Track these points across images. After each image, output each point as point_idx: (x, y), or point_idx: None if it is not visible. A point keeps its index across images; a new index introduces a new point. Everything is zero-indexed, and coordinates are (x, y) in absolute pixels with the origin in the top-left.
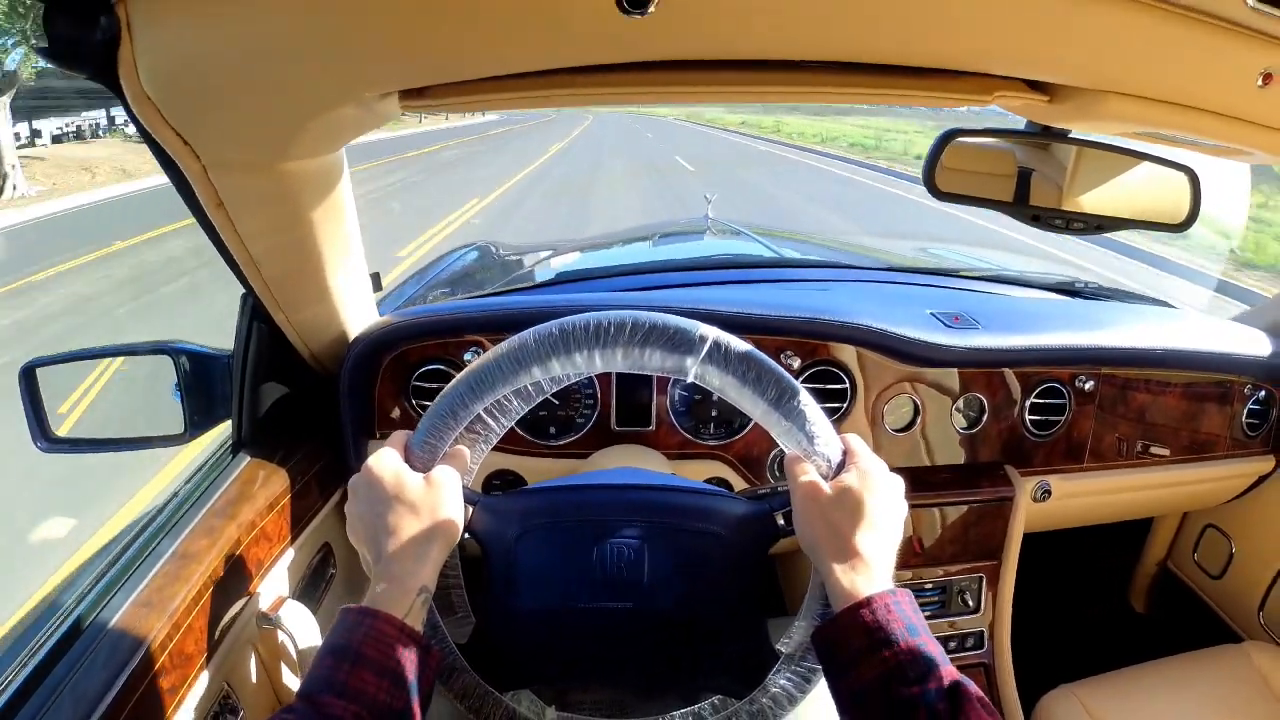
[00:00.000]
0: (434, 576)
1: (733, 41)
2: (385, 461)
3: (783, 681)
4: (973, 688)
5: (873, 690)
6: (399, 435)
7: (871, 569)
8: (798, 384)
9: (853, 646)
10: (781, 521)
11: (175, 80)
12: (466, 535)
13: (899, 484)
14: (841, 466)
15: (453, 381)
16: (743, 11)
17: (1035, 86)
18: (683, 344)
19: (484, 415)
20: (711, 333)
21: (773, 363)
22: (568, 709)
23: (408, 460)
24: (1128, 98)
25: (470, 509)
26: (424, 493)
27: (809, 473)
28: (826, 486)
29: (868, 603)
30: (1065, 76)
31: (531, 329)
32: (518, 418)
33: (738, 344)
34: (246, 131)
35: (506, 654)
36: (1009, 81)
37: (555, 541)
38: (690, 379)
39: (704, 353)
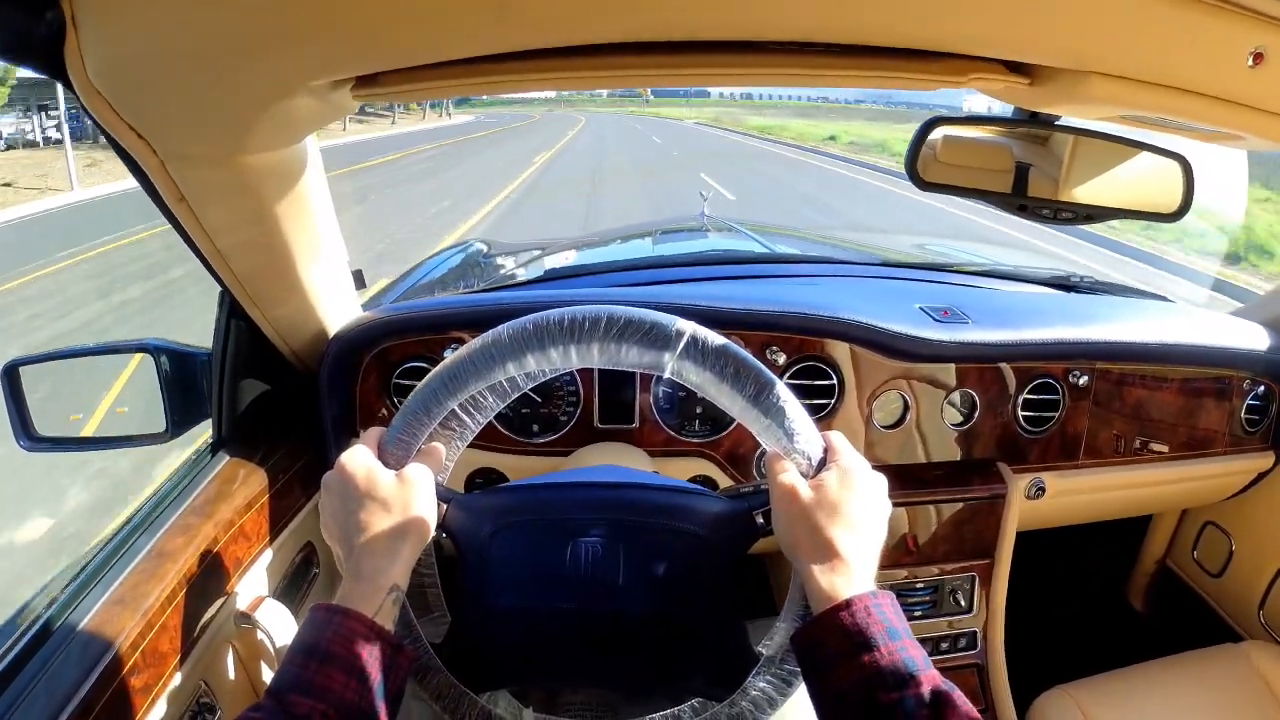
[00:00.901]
0: (406, 575)
1: (692, 22)
2: (358, 458)
3: (762, 684)
4: (956, 694)
5: (852, 695)
6: (373, 432)
7: (852, 570)
8: (777, 379)
9: (831, 650)
10: (761, 521)
11: (123, 72)
12: (442, 534)
13: (882, 483)
14: (823, 464)
15: (426, 377)
16: None
17: (1015, 68)
18: (659, 339)
19: (459, 411)
20: (689, 327)
21: (752, 358)
22: (553, 711)
23: (381, 457)
24: (1112, 79)
25: (444, 506)
26: (396, 490)
27: (788, 471)
28: (806, 486)
29: (847, 605)
30: (1045, 56)
31: (506, 324)
32: (494, 414)
33: (716, 339)
34: (200, 123)
35: (481, 654)
36: (986, 63)
37: (529, 540)
38: (667, 375)
39: (681, 348)
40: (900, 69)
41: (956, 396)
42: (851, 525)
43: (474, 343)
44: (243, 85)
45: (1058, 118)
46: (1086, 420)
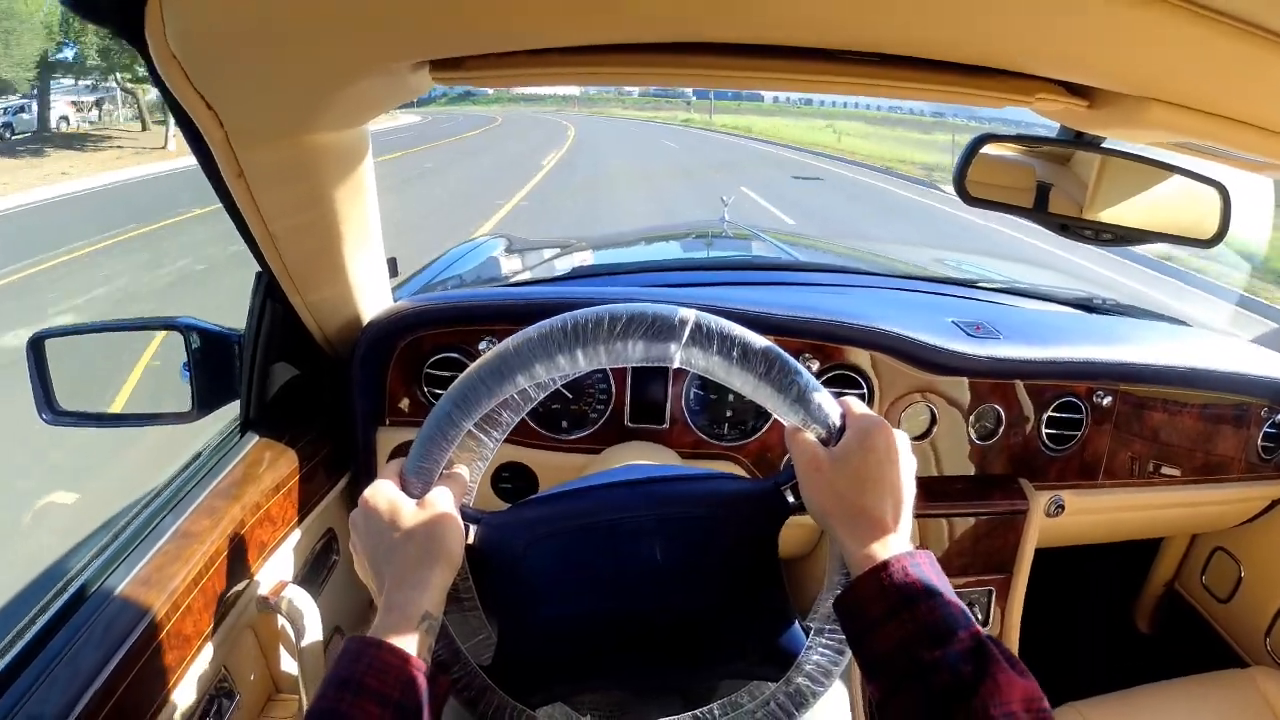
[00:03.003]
0: (438, 602)
1: (776, 28)
2: (380, 491)
3: (816, 657)
4: (999, 646)
5: (895, 655)
6: (394, 463)
7: (886, 531)
8: (785, 353)
9: (873, 612)
10: (791, 498)
11: (203, 40)
12: (479, 556)
13: (904, 440)
14: (842, 430)
15: (439, 401)
16: None
17: (1076, 91)
18: (664, 330)
19: (475, 431)
20: (691, 315)
21: (757, 336)
22: (595, 710)
23: (404, 487)
24: (1170, 106)
25: (473, 528)
26: (419, 518)
27: (809, 442)
28: (828, 454)
29: (885, 566)
30: (1109, 81)
31: (510, 338)
32: (510, 429)
33: (719, 322)
34: (273, 98)
35: (532, 669)
36: (1050, 84)
37: (564, 549)
38: (676, 364)
39: (686, 336)
40: (970, 85)
41: (979, 412)
42: (879, 486)
43: (480, 360)
44: (325, 62)
45: (1103, 140)
46: (1107, 441)
